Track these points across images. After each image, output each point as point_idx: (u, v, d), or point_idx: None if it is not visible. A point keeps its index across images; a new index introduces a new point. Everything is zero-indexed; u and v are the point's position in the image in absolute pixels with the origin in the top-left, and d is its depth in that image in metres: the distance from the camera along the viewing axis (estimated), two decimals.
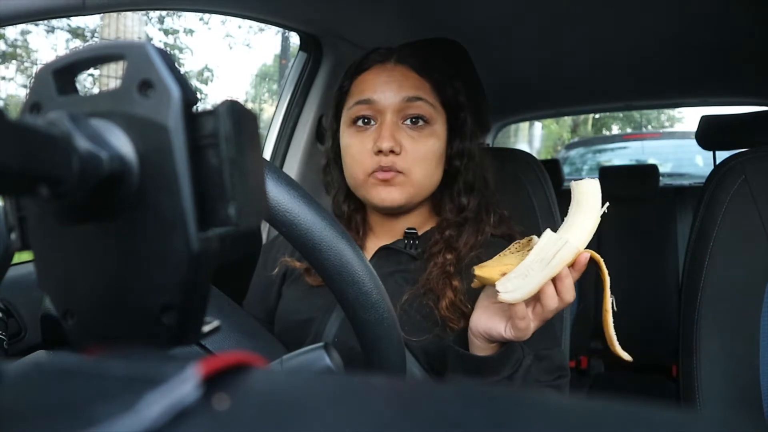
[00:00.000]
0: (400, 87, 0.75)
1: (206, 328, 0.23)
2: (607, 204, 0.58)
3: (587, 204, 0.58)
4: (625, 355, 0.56)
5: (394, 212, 0.81)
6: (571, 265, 0.57)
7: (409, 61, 0.78)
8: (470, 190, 0.81)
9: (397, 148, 0.73)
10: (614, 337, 0.57)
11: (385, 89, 0.75)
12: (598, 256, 0.58)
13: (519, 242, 0.62)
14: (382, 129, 0.74)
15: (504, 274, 0.57)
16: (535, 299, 0.58)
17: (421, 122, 0.76)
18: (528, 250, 0.58)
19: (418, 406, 0.16)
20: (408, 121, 0.75)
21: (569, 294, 0.57)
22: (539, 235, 0.59)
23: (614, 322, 0.57)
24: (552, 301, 0.56)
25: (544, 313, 0.57)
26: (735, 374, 0.90)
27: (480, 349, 0.65)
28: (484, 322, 0.62)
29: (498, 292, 0.55)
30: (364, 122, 0.77)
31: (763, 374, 0.88)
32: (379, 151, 0.73)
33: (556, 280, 0.56)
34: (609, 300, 0.56)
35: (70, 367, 0.18)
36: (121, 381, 0.17)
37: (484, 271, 0.60)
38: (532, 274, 0.55)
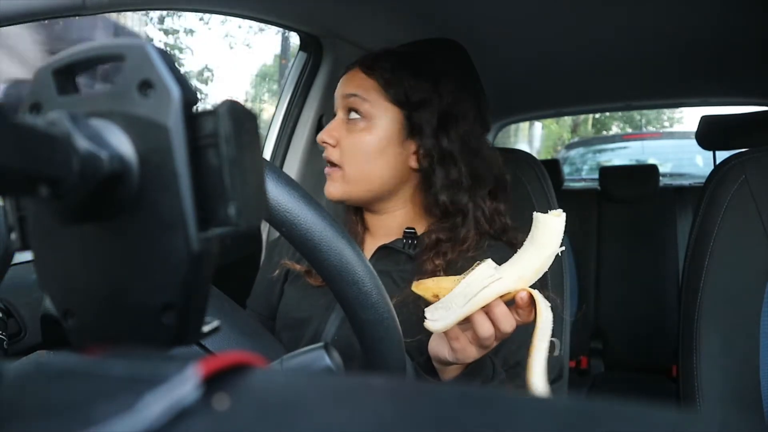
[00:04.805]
0: (344, 86, 0.82)
1: (206, 328, 0.23)
2: (563, 248, 0.55)
3: (541, 241, 0.55)
4: (541, 388, 0.51)
5: (367, 208, 0.85)
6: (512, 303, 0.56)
7: (362, 62, 0.83)
8: (450, 189, 0.79)
9: (331, 141, 0.80)
10: (534, 369, 0.51)
11: (338, 89, 0.83)
12: (535, 294, 0.55)
13: (479, 262, 0.59)
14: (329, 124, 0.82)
15: (436, 295, 0.57)
16: (471, 327, 0.57)
17: (355, 116, 0.80)
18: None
19: (417, 406, 0.16)
20: (348, 117, 0.81)
21: (505, 324, 0.55)
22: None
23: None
24: (484, 330, 0.55)
25: (480, 340, 0.56)
26: (735, 374, 0.90)
27: (442, 371, 0.65)
28: (433, 345, 0.63)
29: (425, 318, 0.56)
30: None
31: (763, 374, 0.88)
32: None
33: (488, 312, 0.55)
34: (540, 342, 0.52)
35: (70, 367, 0.18)
36: (121, 381, 0.17)
37: (419, 289, 0.59)
38: (453, 308, 0.55)
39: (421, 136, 0.80)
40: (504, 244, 0.80)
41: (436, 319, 0.55)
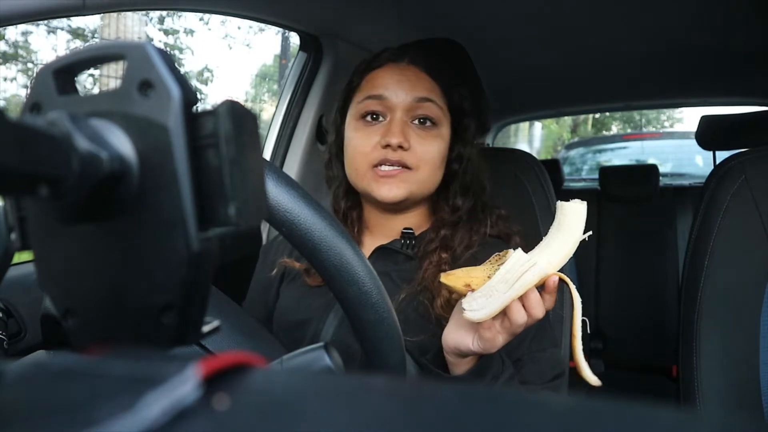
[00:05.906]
0: (412, 87, 0.77)
1: (206, 328, 0.23)
2: (589, 233, 0.57)
3: (568, 228, 0.57)
4: (594, 380, 0.54)
5: (393, 209, 0.81)
6: (542, 287, 0.57)
7: (422, 63, 0.80)
8: (465, 193, 0.82)
9: (406, 144, 0.75)
10: (581, 362, 0.55)
11: (398, 87, 0.77)
12: (567, 279, 0.57)
13: (498, 254, 0.61)
14: (392, 125, 0.76)
15: (468, 285, 0.57)
16: (503, 314, 0.57)
17: (429, 123, 0.78)
18: (500, 265, 0.57)
19: (418, 406, 0.16)
20: (417, 121, 0.77)
21: (537, 310, 0.56)
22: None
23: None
24: (519, 317, 0.56)
25: (512, 327, 0.57)
26: (735, 374, 0.90)
27: (453, 365, 0.65)
28: (453, 336, 0.62)
29: (464, 309, 0.56)
30: (373, 117, 0.78)
31: (762, 374, 0.88)
32: (387, 146, 0.75)
33: (522, 298, 0.56)
34: (578, 325, 0.55)
35: (70, 367, 0.18)
36: (121, 381, 0.17)
37: (449, 279, 0.59)
38: (496, 294, 0.55)
39: (463, 143, 0.81)
40: (500, 240, 0.82)
41: (476, 308, 0.55)
